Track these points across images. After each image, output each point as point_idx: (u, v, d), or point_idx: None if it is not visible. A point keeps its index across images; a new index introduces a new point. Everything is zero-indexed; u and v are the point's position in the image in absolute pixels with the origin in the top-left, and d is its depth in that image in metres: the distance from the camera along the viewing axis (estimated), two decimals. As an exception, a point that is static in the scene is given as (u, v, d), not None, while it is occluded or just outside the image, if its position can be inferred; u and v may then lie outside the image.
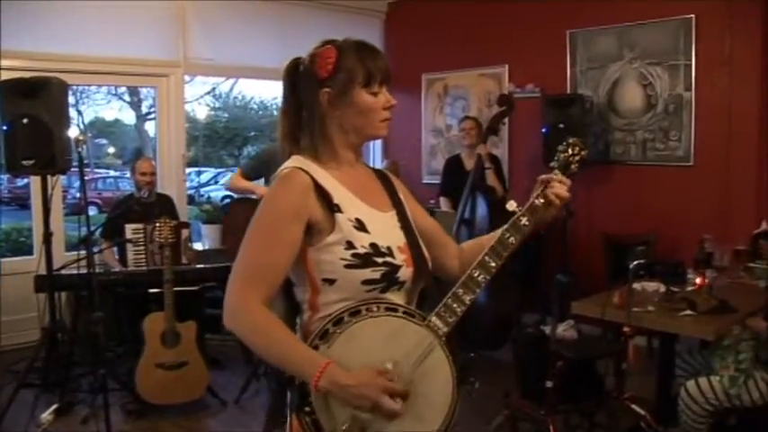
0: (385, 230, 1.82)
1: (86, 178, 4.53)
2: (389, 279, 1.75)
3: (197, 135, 20.10)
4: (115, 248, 5.64)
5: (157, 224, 4.69)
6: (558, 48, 6.60)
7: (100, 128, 21.31)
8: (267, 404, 4.71)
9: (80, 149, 4.40)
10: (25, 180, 6.06)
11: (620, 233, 5.96)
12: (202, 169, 19.93)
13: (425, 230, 2.00)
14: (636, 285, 3.87)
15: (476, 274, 1.79)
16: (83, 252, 4.56)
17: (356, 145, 1.88)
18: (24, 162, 4.48)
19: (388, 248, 1.77)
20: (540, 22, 6.73)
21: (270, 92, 21.25)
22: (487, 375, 5.20)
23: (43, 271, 4.71)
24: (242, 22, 7.07)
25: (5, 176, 12.13)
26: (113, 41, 6.29)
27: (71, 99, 5.19)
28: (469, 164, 6.08)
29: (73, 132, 4.69)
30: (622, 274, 3.75)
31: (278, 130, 1.91)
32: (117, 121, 21.65)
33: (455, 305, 1.76)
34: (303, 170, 1.77)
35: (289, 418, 1.74)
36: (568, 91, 6.54)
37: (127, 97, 19.42)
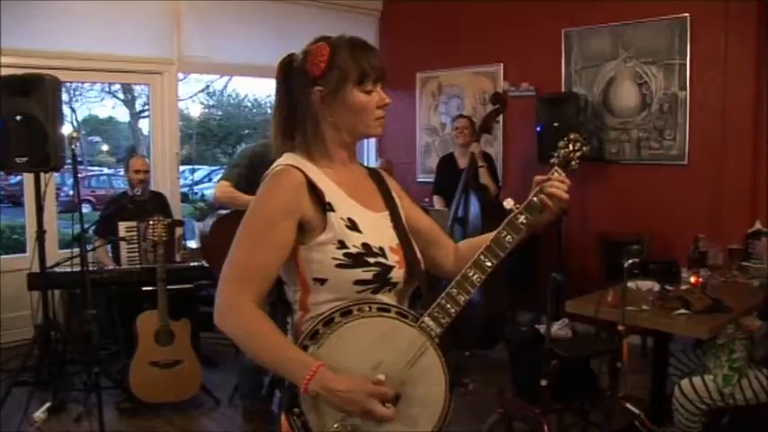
0: (377, 231, 1.79)
1: (80, 176, 4.52)
2: (382, 279, 1.73)
3: (191, 133, 20.07)
4: (109, 246, 5.63)
5: (151, 222, 4.67)
6: (552, 46, 6.60)
7: (93, 125, 21.25)
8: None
9: (73, 147, 4.38)
10: (18, 177, 6.02)
11: (614, 232, 5.97)
12: (196, 167, 19.89)
13: (421, 228, 1.98)
14: (630, 284, 3.88)
15: (470, 274, 1.76)
16: (76, 250, 4.54)
17: (350, 144, 1.86)
18: (17, 159, 4.46)
19: (381, 249, 1.75)
20: (534, 21, 6.73)
21: (264, 89, 21.21)
22: (482, 374, 5.23)
23: (36, 269, 4.68)
24: (236, 19, 7.05)
25: (-1, 174, 12.08)
26: (107, 39, 6.26)
27: (64, 96, 5.18)
28: (463, 162, 6.08)
29: (66, 130, 4.67)
30: (617, 272, 3.74)
31: (271, 126, 1.88)
32: (111, 118, 21.58)
33: (448, 305, 1.73)
34: (296, 167, 1.75)
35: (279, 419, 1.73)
36: (563, 90, 6.55)
37: (121, 95, 19.36)
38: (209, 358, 5.29)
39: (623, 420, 3.84)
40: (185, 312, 4.75)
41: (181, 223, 5.91)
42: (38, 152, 4.46)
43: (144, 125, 18.62)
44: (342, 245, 1.71)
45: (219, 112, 22.99)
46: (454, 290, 1.75)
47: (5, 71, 4.93)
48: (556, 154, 1.91)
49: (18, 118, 4.43)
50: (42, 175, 4.62)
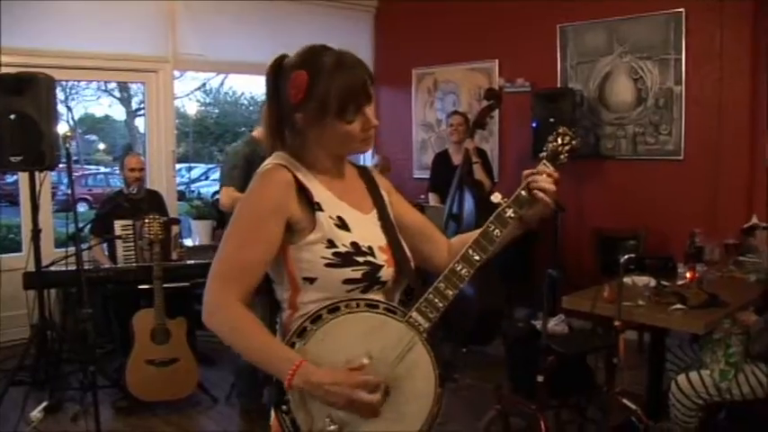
0: (366, 230, 1.79)
1: (76, 175, 4.51)
2: (371, 278, 1.73)
3: (187, 131, 20.07)
4: (104, 245, 5.61)
5: (146, 220, 4.67)
6: (548, 42, 6.59)
7: (90, 124, 21.25)
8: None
9: (68, 145, 4.37)
10: (15, 177, 6.01)
11: (610, 227, 5.98)
12: (193, 165, 19.88)
13: (413, 225, 1.98)
14: (626, 280, 3.87)
15: (458, 268, 1.75)
16: (72, 249, 4.53)
17: (339, 156, 1.84)
18: (12, 158, 4.45)
19: (369, 248, 1.75)
20: (530, 17, 6.72)
21: (260, 87, 21.17)
22: (478, 370, 5.24)
23: (32, 268, 4.67)
24: (232, 17, 7.03)
25: (-5, 173, 12.06)
26: (102, 37, 6.25)
27: (60, 95, 5.17)
28: (457, 159, 6.08)
29: (62, 128, 4.66)
30: (613, 268, 3.74)
31: (263, 124, 1.87)
32: (107, 117, 21.58)
33: (436, 300, 1.72)
34: (284, 167, 1.75)
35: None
36: (559, 85, 6.55)
37: (117, 93, 19.35)
38: (206, 356, 5.29)
39: (620, 416, 3.83)
40: (182, 310, 4.75)
41: (177, 221, 5.90)
42: (32, 151, 4.45)
43: (140, 123, 18.57)
44: (331, 244, 1.71)
45: (216, 110, 23.00)
46: (442, 284, 1.73)
47: (1, 70, 4.91)
48: (544, 148, 1.90)
49: (12, 117, 4.42)
50: (37, 174, 4.61)
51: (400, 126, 7.92)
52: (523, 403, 3.89)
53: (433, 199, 6.40)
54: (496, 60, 7.13)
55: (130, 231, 5.41)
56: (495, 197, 1.82)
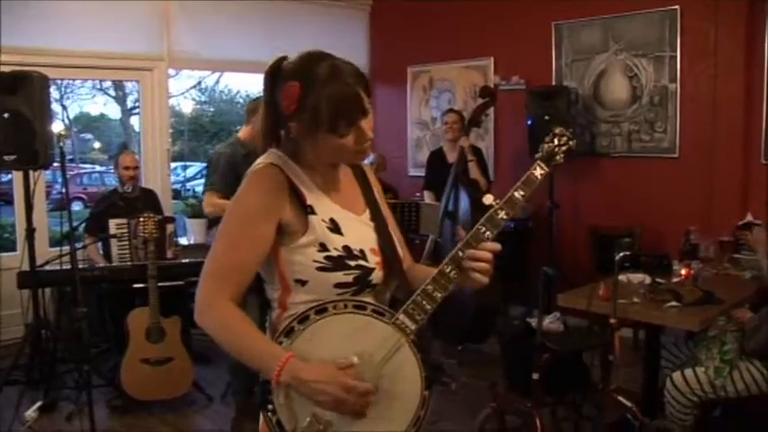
0: (358, 233, 1.79)
1: (72, 173, 4.50)
2: (362, 282, 1.73)
3: (182, 129, 20.02)
4: (99, 244, 5.60)
5: (141, 219, 4.66)
6: (543, 40, 6.59)
7: (85, 123, 21.17)
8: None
9: (61, 144, 4.36)
10: (9, 176, 6.00)
11: (605, 225, 5.98)
12: (188, 164, 19.82)
13: None
14: (621, 277, 3.88)
15: (447, 270, 1.73)
16: (66, 248, 4.52)
17: (333, 164, 1.83)
18: (6, 157, 4.43)
19: (361, 251, 1.75)
20: (525, 15, 6.72)
21: (256, 85, 21.15)
22: (474, 368, 5.25)
23: (26, 267, 4.66)
24: (227, 15, 7.01)
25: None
26: (97, 35, 6.24)
27: (55, 94, 5.16)
28: (452, 157, 6.07)
29: (57, 127, 4.64)
30: (608, 266, 3.75)
31: (258, 123, 1.85)
32: (102, 115, 21.49)
33: (425, 302, 1.71)
34: (277, 166, 1.74)
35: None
36: (554, 83, 6.54)
37: (112, 92, 19.29)
38: (201, 355, 5.27)
39: (615, 413, 3.84)
40: (176, 309, 4.74)
41: (172, 220, 5.89)
42: (26, 150, 4.43)
43: (135, 122, 18.53)
44: (323, 247, 1.71)
45: (211, 109, 22.93)
46: (430, 286, 1.72)
47: (-2, 68, 4.89)
48: (540, 149, 1.88)
49: (6, 115, 4.40)
50: (31, 172, 4.59)
51: (395, 124, 7.92)
52: (519, 401, 3.89)
53: (428, 197, 6.39)
54: (491, 58, 7.12)
55: (125, 230, 5.40)
56: (488, 199, 1.79)
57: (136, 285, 4.87)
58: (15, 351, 4.64)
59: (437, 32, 7.50)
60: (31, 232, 4.57)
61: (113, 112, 20.87)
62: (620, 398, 3.75)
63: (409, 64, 7.90)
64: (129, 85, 16.86)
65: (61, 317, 5.41)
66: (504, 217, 1.78)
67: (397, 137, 7.94)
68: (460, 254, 1.74)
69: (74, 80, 16.47)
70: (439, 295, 1.72)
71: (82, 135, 21.06)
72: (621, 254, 3.67)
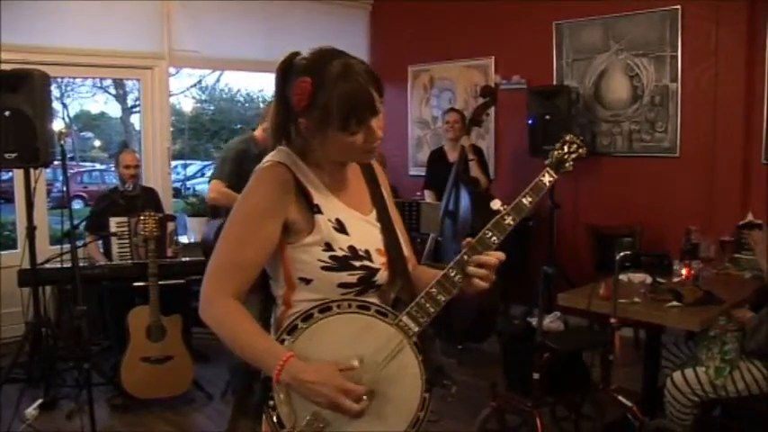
0: (364, 233, 1.79)
1: (72, 172, 4.50)
2: (366, 283, 1.73)
3: (183, 128, 20.01)
4: (100, 242, 5.60)
5: (142, 217, 4.66)
6: (544, 39, 6.59)
7: (85, 121, 21.14)
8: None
9: (62, 142, 4.36)
10: (10, 174, 6.00)
11: (606, 224, 5.97)
12: (188, 162, 19.81)
13: None
14: (622, 277, 3.88)
15: (452, 274, 1.74)
16: (66, 246, 4.52)
17: (341, 162, 1.82)
18: (6, 155, 4.42)
19: (367, 252, 1.75)
20: (526, 14, 6.71)
21: (256, 84, 21.17)
22: (474, 368, 5.25)
23: (27, 265, 4.66)
24: (227, 14, 7.01)
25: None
26: (97, 33, 6.23)
27: (56, 92, 5.16)
28: (453, 156, 6.07)
29: (57, 125, 4.64)
30: (608, 265, 3.74)
31: (269, 120, 1.83)
32: (103, 114, 21.46)
33: (428, 305, 1.71)
34: (284, 165, 1.73)
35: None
36: (554, 82, 6.54)
37: (112, 90, 19.27)
38: (201, 353, 5.27)
39: (615, 413, 3.84)
40: (177, 308, 4.74)
41: (172, 218, 5.89)
42: (27, 148, 4.43)
43: (136, 120, 18.51)
44: (328, 247, 1.71)
45: (212, 107, 22.91)
46: (434, 289, 1.72)
47: (-3, 66, 4.89)
48: (549, 156, 1.89)
49: (7, 114, 4.40)
50: (32, 171, 4.59)
51: (396, 123, 7.91)
52: (519, 400, 3.89)
53: (428, 196, 6.39)
54: (492, 57, 7.12)
55: (125, 228, 5.40)
56: (495, 204, 1.80)
57: (136, 284, 4.86)
58: (16, 349, 4.64)
59: (438, 31, 7.50)
60: (31, 230, 4.57)
61: (114, 110, 20.85)
62: (621, 397, 3.75)
63: (410, 63, 7.90)
64: (129, 84, 16.85)
65: (62, 315, 5.41)
66: (511, 223, 1.79)
67: (397, 136, 7.93)
68: (466, 258, 1.75)
69: (74, 78, 16.45)
70: (443, 299, 1.72)
71: (82, 133, 21.03)
72: (622, 253, 3.66)
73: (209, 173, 19.45)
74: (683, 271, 4.15)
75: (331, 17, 7.73)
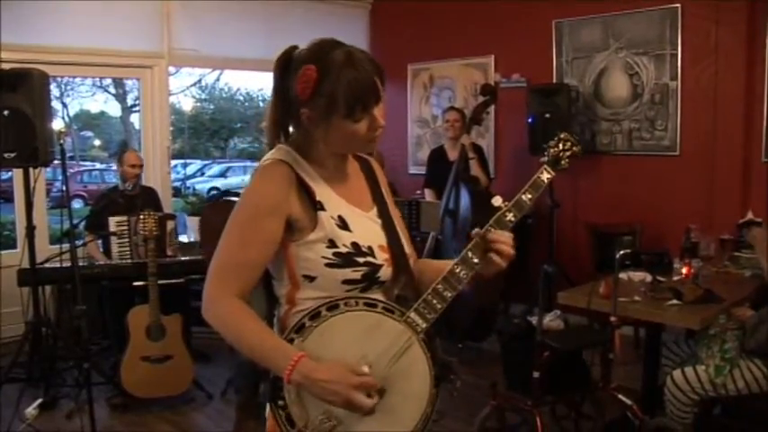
0: (366, 229, 1.78)
1: (72, 171, 4.50)
2: (370, 279, 1.73)
3: (183, 127, 20.02)
4: (99, 241, 5.59)
5: (141, 217, 4.66)
6: (543, 38, 6.58)
7: (85, 120, 21.16)
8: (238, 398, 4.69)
9: (61, 142, 4.35)
10: (9, 173, 6.00)
11: (606, 223, 5.97)
12: (188, 161, 19.83)
13: None
14: (622, 275, 3.88)
15: (458, 270, 1.74)
16: (66, 245, 4.52)
17: (342, 154, 1.83)
18: (6, 155, 4.42)
19: (370, 248, 1.74)
20: (525, 12, 6.71)
21: (256, 83, 21.21)
22: (474, 367, 5.24)
23: (26, 265, 4.66)
24: (227, 13, 7.00)
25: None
26: (97, 32, 6.23)
27: (56, 91, 5.15)
28: (453, 155, 6.07)
29: (57, 125, 4.64)
30: (608, 264, 3.74)
31: (266, 116, 1.82)
32: (102, 113, 21.49)
33: (435, 301, 1.71)
34: (285, 162, 1.73)
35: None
36: (554, 81, 6.53)
37: (112, 89, 19.28)
38: (201, 353, 5.27)
39: (615, 411, 3.84)
40: (177, 307, 4.74)
41: (172, 217, 5.87)
42: (26, 147, 4.43)
43: (135, 119, 18.54)
44: (332, 244, 1.70)
45: (211, 106, 22.94)
46: (440, 285, 1.73)
47: (-2, 65, 4.89)
48: (545, 153, 1.90)
49: (6, 113, 4.40)
50: (32, 170, 4.59)
51: (396, 122, 7.90)
52: (519, 399, 3.88)
53: (429, 195, 6.39)
54: (492, 56, 7.12)
55: (125, 227, 5.40)
56: (496, 200, 1.81)
57: (136, 283, 4.86)
58: (15, 349, 4.64)
59: (437, 30, 7.49)
60: (31, 230, 4.57)
61: (114, 109, 20.88)
62: (621, 396, 3.75)
63: (409, 62, 7.89)
64: (129, 83, 16.87)
65: (61, 315, 5.41)
66: (512, 219, 1.80)
67: (396, 135, 7.93)
68: (470, 254, 1.75)
69: (74, 77, 16.46)
70: (449, 295, 1.73)
71: (82, 133, 21.05)
72: (622, 252, 3.66)
73: (208, 172, 19.49)
74: (683, 269, 4.14)
75: (331, 16, 7.72)
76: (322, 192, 1.74)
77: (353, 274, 1.70)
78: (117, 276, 5.08)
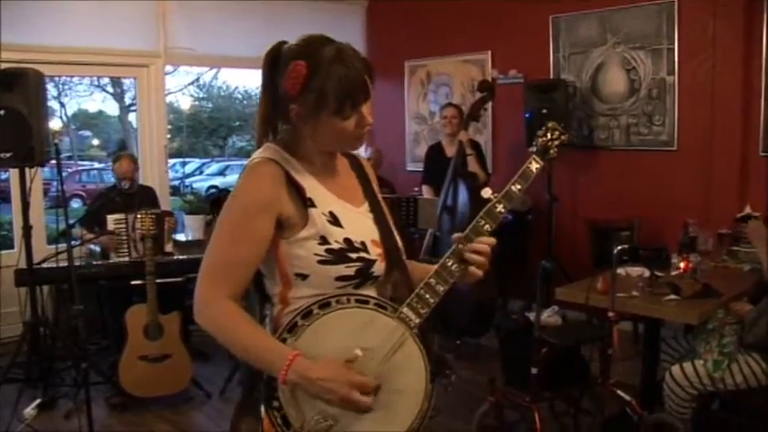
0: (358, 225, 1.77)
1: (70, 170, 4.50)
2: (364, 275, 1.72)
3: (181, 125, 20.02)
4: (98, 249, 5.59)
5: (139, 215, 4.65)
6: (540, 33, 6.58)
7: (83, 120, 21.15)
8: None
9: (57, 141, 4.35)
10: (6, 173, 5.99)
11: (604, 218, 5.97)
12: (186, 160, 19.82)
13: None
14: (620, 270, 3.87)
15: (449, 263, 1.75)
16: (63, 245, 4.51)
17: (330, 152, 1.82)
18: (2, 155, 4.42)
19: (362, 243, 1.73)
20: (522, 8, 6.70)
21: (254, 81, 21.18)
22: (472, 363, 5.24)
23: (24, 265, 4.65)
24: (223, 11, 6.99)
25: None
26: (93, 32, 6.23)
27: (53, 91, 5.15)
28: (450, 151, 6.06)
29: (55, 124, 4.63)
30: (606, 259, 3.74)
31: (256, 114, 1.82)
32: (100, 112, 21.48)
33: (427, 296, 1.71)
34: (274, 161, 1.72)
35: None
36: (551, 76, 6.53)
37: (110, 88, 19.26)
38: (199, 351, 5.27)
39: (614, 407, 3.84)
40: (175, 306, 4.72)
41: (170, 214, 5.86)
42: (22, 147, 4.41)
43: (133, 119, 18.50)
44: (324, 240, 1.69)
45: (210, 105, 22.93)
46: (433, 279, 1.73)
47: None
48: (534, 143, 1.91)
49: (1, 113, 4.39)
50: (28, 170, 4.58)
51: (393, 119, 7.90)
52: (517, 395, 3.88)
53: (426, 191, 6.38)
54: (489, 52, 7.11)
55: (123, 226, 5.39)
56: (486, 192, 1.81)
57: (134, 282, 4.85)
58: (13, 349, 4.63)
59: (434, 27, 7.48)
60: (28, 230, 4.56)
61: (111, 108, 20.87)
62: (619, 391, 3.74)
63: (406, 58, 7.89)
64: (126, 82, 16.84)
65: (59, 314, 5.41)
66: (503, 210, 1.81)
67: (394, 132, 7.92)
68: (461, 247, 1.76)
69: (72, 77, 16.45)
70: (441, 288, 1.72)
71: (80, 132, 21.05)
72: (620, 247, 3.66)
73: (207, 170, 19.45)
74: (681, 264, 4.14)
75: (327, 13, 7.71)
76: (312, 188, 1.73)
77: (347, 270, 1.69)
78: (114, 275, 5.07)
